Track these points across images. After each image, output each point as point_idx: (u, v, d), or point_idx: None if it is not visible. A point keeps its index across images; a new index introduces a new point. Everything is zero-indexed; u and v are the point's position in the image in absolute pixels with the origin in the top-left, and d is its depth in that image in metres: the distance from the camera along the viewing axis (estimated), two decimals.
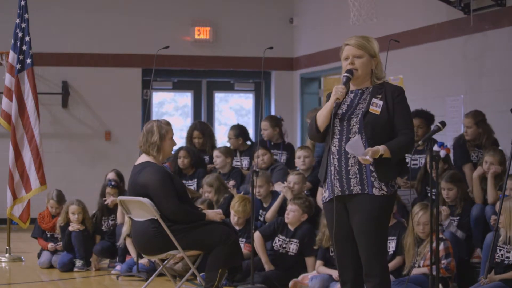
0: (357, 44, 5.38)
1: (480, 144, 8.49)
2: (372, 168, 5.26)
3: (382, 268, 5.31)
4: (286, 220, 8.19)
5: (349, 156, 5.30)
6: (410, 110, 5.45)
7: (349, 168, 5.31)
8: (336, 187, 5.36)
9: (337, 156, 5.35)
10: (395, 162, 5.28)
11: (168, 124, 6.95)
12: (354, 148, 5.21)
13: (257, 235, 8.12)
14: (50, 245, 9.48)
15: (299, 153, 9.18)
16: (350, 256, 5.37)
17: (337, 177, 5.36)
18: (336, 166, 5.36)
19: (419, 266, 7.25)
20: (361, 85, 5.43)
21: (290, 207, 8.15)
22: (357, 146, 5.20)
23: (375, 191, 5.26)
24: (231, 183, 9.60)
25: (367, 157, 5.16)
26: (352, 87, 5.46)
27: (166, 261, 7.31)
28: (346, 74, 5.37)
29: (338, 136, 5.37)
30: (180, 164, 9.98)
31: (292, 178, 8.61)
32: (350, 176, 5.31)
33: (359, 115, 5.31)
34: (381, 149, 5.21)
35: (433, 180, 6.10)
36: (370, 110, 5.32)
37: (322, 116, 5.39)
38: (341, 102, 5.39)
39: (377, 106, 5.32)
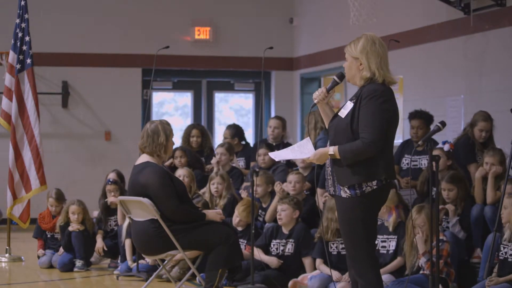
0: (346, 47, 5.43)
1: (486, 145, 8.52)
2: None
3: (361, 270, 5.31)
4: (279, 222, 8.16)
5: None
6: (379, 113, 5.22)
7: (327, 169, 5.43)
8: (326, 186, 5.50)
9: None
10: (346, 165, 5.21)
11: (169, 124, 6.98)
12: (297, 152, 5.33)
13: (255, 249, 8.12)
14: (39, 251, 9.49)
15: None
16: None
17: (326, 177, 5.49)
18: (327, 166, 5.48)
19: (420, 266, 7.25)
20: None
21: (280, 207, 8.13)
22: (305, 148, 5.30)
23: (342, 193, 5.31)
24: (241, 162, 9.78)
25: (309, 158, 5.27)
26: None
27: (166, 261, 7.31)
28: (334, 77, 5.46)
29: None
30: (177, 164, 9.95)
31: (292, 177, 8.61)
32: (328, 177, 5.41)
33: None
34: (331, 149, 5.25)
35: (434, 180, 6.09)
36: (338, 113, 5.35)
37: (323, 116, 5.56)
38: (344, 103, 5.43)
39: (345, 109, 5.31)
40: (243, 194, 9.23)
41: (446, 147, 8.35)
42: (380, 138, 5.22)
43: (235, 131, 10.58)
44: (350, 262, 5.40)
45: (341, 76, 5.42)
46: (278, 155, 5.63)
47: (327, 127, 5.52)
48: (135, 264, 8.63)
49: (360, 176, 5.24)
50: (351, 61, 5.38)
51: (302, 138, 14.01)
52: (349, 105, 5.30)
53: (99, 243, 9.25)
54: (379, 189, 5.29)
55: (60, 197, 9.65)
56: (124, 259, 9.11)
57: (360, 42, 5.35)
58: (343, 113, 5.31)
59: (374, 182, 5.25)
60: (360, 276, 5.32)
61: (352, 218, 5.29)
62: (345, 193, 5.28)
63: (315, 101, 5.43)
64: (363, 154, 5.21)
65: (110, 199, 9.30)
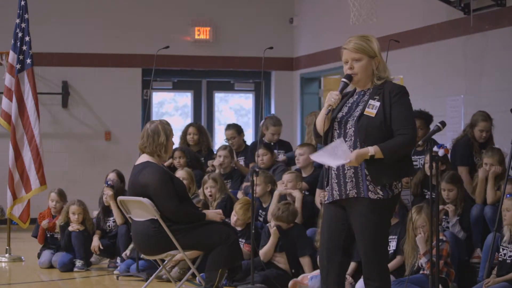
0: (355, 48, 5.28)
1: (485, 145, 8.53)
2: (366, 172, 5.18)
3: (381, 272, 5.26)
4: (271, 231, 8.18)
5: None
6: (411, 109, 5.26)
7: (345, 172, 5.25)
8: (335, 191, 5.32)
9: None
10: (390, 163, 5.12)
11: (169, 124, 6.99)
12: (334, 151, 5.15)
13: (261, 252, 8.13)
14: (43, 222, 9.46)
15: (296, 151, 9.22)
16: (336, 261, 5.33)
17: (336, 181, 5.31)
18: (335, 170, 5.31)
19: (420, 266, 7.25)
20: (364, 87, 5.35)
21: (275, 222, 8.12)
22: (339, 150, 5.10)
23: (371, 195, 5.18)
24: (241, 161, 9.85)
25: (350, 159, 5.05)
26: (357, 89, 5.39)
27: (166, 261, 7.32)
28: (344, 80, 5.30)
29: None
30: (176, 164, 9.94)
31: (285, 177, 8.64)
32: (347, 180, 5.25)
33: (355, 118, 5.24)
34: (371, 150, 5.10)
35: (431, 181, 6.09)
36: (365, 113, 5.22)
37: (319, 122, 5.36)
38: (341, 105, 5.33)
39: (373, 108, 5.21)
40: (239, 194, 9.23)
41: (441, 152, 8.33)
42: (416, 133, 5.27)
43: (238, 128, 10.58)
44: (363, 266, 5.28)
45: (349, 77, 5.31)
46: (318, 157, 5.34)
47: (324, 129, 5.31)
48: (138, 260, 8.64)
49: (400, 171, 5.22)
50: (368, 60, 5.28)
51: (302, 138, 14.00)
52: (375, 103, 5.21)
53: (95, 242, 9.25)
54: (401, 190, 5.32)
55: (61, 193, 9.67)
56: (124, 259, 9.11)
57: (374, 42, 5.30)
58: (370, 112, 5.21)
59: (399, 185, 5.26)
60: (374, 279, 5.25)
61: (380, 219, 5.21)
62: (375, 194, 5.18)
63: (330, 108, 5.25)
64: (406, 150, 5.21)
65: (106, 196, 9.32)
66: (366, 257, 5.25)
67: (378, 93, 5.25)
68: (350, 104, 5.36)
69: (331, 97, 5.23)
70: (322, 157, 5.19)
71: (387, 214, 5.27)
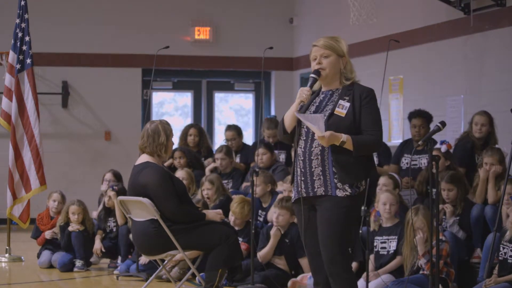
0: (324, 45, 5.44)
1: (486, 145, 8.52)
2: (334, 170, 5.25)
3: (346, 268, 5.31)
4: (275, 224, 8.13)
5: (312, 158, 5.30)
6: (379, 112, 5.39)
7: (313, 169, 5.31)
8: (302, 188, 5.37)
9: (302, 158, 5.36)
10: (355, 155, 5.23)
11: (169, 124, 7.00)
12: (314, 122, 5.20)
13: (260, 254, 8.12)
14: (45, 233, 9.45)
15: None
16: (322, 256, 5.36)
17: (302, 178, 5.36)
18: (301, 167, 5.36)
19: (419, 266, 7.25)
20: (331, 86, 5.45)
21: (279, 211, 8.08)
22: (317, 124, 5.20)
23: (339, 193, 5.26)
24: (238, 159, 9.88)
25: (324, 135, 5.14)
26: (323, 88, 5.47)
27: (166, 261, 7.32)
28: (312, 75, 5.41)
29: (304, 138, 5.38)
30: (176, 164, 9.94)
31: (286, 186, 8.59)
32: (314, 178, 5.31)
33: (325, 117, 5.31)
34: (344, 136, 5.21)
35: (434, 181, 6.10)
36: (335, 112, 5.32)
37: (288, 118, 5.43)
38: (308, 103, 5.40)
39: (343, 108, 5.32)
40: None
41: (444, 148, 8.36)
42: (382, 137, 5.41)
43: (239, 129, 10.61)
44: (325, 263, 5.30)
45: (318, 73, 5.41)
46: (302, 116, 5.39)
47: (289, 125, 5.39)
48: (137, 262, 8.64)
49: (366, 171, 5.33)
50: (336, 58, 5.42)
51: None
52: (345, 104, 5.32)
53: (97, 244, 9.25)
54: (365, 187, 5.40)
55: (63, 196, 9.69)
56: (124, 259, 9.12)
57: (342, 42, 5.46)
58: (340, 112, 5.31)
59: (363, 182, 5.34)
60: (343, 275, 5.29)
61: (348, 217, 5.28)
62: (344, 191, 5.25)
63: (302, 104, 5.36)
64: (373, 149, 5.36)
65: (106, 198, 9.33)
66: (331, 254, 5.26)
67: (348, 94, 5.37)
68: (317, 103, 5.44)
69: (302, 93, 5.35)
70: (305, 118, 5.25)
71: (353, 211, 5.34)
